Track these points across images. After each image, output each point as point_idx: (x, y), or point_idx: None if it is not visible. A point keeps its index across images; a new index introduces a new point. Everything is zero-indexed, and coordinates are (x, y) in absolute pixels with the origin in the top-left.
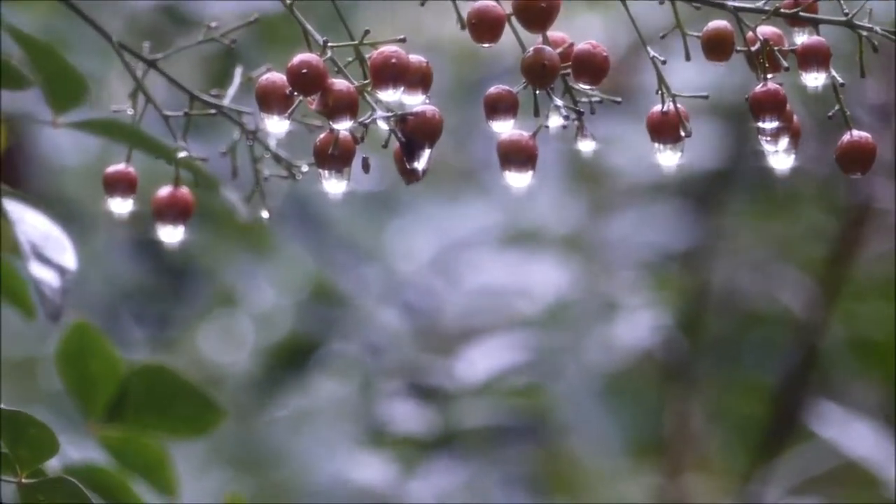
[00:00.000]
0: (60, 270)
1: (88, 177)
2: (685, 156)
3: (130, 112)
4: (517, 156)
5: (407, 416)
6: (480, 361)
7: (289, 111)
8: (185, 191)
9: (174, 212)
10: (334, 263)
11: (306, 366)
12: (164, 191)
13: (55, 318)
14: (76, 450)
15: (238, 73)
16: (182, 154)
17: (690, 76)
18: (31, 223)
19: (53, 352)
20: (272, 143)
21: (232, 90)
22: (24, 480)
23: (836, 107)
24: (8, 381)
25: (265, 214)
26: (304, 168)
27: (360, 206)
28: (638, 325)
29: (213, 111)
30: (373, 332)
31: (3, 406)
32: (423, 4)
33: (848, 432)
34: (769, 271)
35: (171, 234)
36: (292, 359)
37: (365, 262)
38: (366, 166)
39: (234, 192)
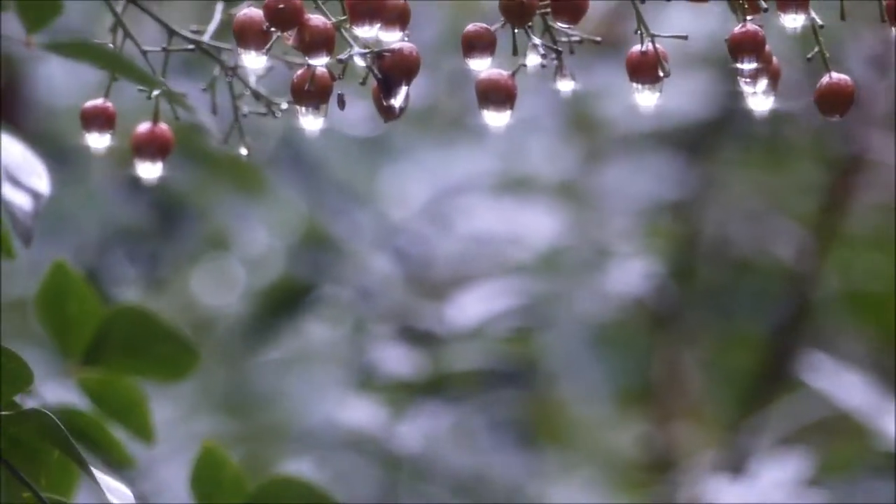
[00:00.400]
0: (34, 194)
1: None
2: (680, 103)
3: (110, 45)
4: (495, 94)
5: (397, 360)
6: (471, 307)
7: (266, 47)
8: (164, 126)
9: (153, 147)
10: (327, 207)
11: (297, 309)
12: (143, 126)
13: (27, 240)
14: (55, 392)
15: (219, 8)
16: (158, 90)
17: (685, 23)
18: (5, 148)
19: (34, 293)
20: (252, 80)
21: (212, 26)
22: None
23: (816, 49)
24: (3, 320)
25: (244, 151)
26: (284, 105)
27: (354, 151)
28: (629, 274)
29: (191, 47)
30: (364, 276)
31: None
32: None
33: (839, 383)
34: (762, 221)
35: (149, 171)
36: (284, 302)
37: (357, 207)
38: (341, 103)
39: (210, 118)
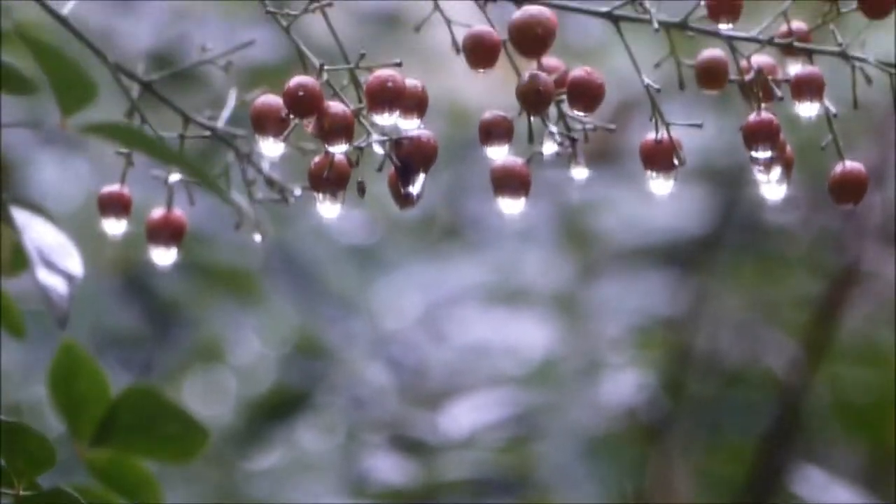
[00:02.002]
0: (67, 277)
1: (75, 223)
2: (674, 218)
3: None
4: (510, 182)
5: (390, 468)
6: (464, 416)
7: (284, 134)
8: (178, 213)
9: (167, 233)
10: (321, 316)
11: (290, 418)
12: (158, 212)
13: (62, 323)
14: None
15: (232, 95)
16: (175, 176)
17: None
18: (37, 230)
19: (46, 373)
20: (265, 167)
21: (226, 112)
22: (21, 493)
23: (829, 137)
24: None
25: (258, 238)
26: (297, 192)
27: (349, 261)
28: (621, 385)
29: (207, 133)
30: (358, 385)
31: (2, 417)
32: (417, 31)
33: (829, 496)
34: (753, 333)
35: (163, 256)
36: (276, 411)
37: (351, 316)
38: (361, 190)
39: (242, 200)
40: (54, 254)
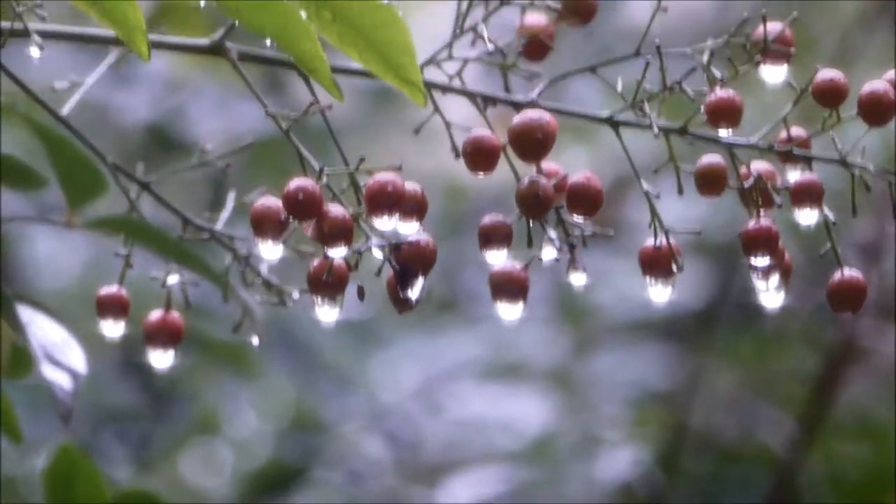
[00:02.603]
0: (72, 373)
1: (71, 299)
2: (672, 294)
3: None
4: (509, 287)
5: None
6: (461, 492)
7: (283, 236)
8: (175, 314)
9: (165, 335)
10: (317, 391)
11: (287, 493)
12: (155, 314)
13: (67, 419)
14: None
15: (231, 197)
16: (174, 278)
17: (677, 212)
18: (40, 326)
19: (41, 473)
20: (264, 269)
21: (225, 214)
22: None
23: (828, 245)
24: None
25: (256, 340)
26: (296, 295)
27: (345, 335)
28: (618, 461)
29: (205, 235)
30: (355, 460)
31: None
32: (417, 133)
33: None
34: (749, 409)
35: (161, 359)
36: (273, 485)
37: (348, 391)
38: (360, 294)
39: (249, 295)
40: (58, 350)
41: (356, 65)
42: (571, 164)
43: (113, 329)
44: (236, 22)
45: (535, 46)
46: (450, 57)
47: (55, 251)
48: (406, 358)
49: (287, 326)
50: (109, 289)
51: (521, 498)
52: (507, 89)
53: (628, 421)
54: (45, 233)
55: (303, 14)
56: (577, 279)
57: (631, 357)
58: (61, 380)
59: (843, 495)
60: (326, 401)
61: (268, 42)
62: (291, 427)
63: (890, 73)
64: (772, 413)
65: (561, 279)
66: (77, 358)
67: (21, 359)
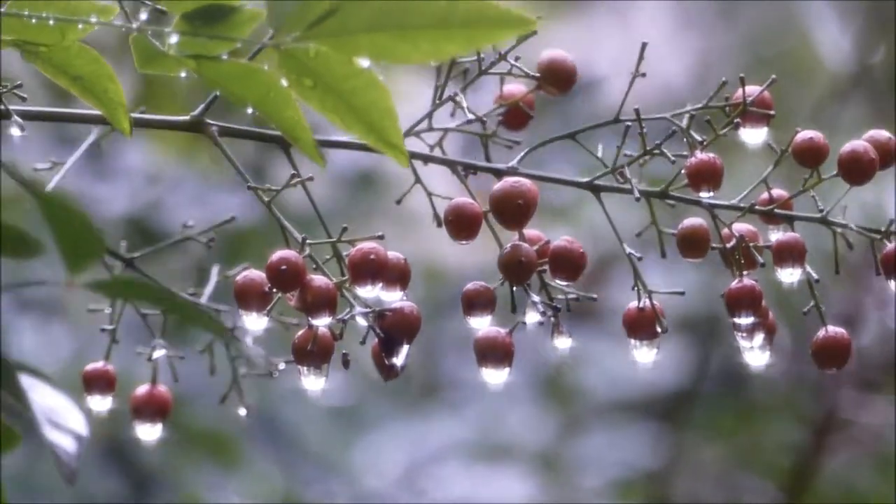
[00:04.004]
0: (74, 435)
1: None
2: (654, 373)
3: (108, 311)
4: (493, 352)
5: None
6: None
7: (267, 308)
8: (162, 389)
9: (152, 409)
10: (301, 477)
11: None
12: (142, 389)
13: (71, 481)
14: None
15: (215, 271)
16: (159, 353)
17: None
18: (41, 393)
19: None
20: (249, 340)
21: (208, 289)
22: None
23: (812, 303)
24: None
25: (243, 412)
26: (281, 366)
27: (329, 421)
28: None
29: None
30: None
31: None
32: (399, 203)
33: None
34: (734, 480)
35: (148, 433)
36: None
37: (331, 477)
38: (345, 362)
39: (256, 346)
40: (58, 415)
41: (339, 136)
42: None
43: (100, 404)
44: (216, 95)
45: (515, 115)
46: (430, 128)
47: (38, 343)
48: (390, 442)
49: (271, 414)
50: (96, 365)
51: None
52: (487, 158)
53: (613, 496)
54: (29, 324)
55: (284, 82)
56: (562, 343)
57: (616, 436)
58: (64, 442)
59: None
60: (311, 487)
61: (249, 112)
62: None
63: (869, 133)
64: (756, 484)
65: (546, 360)
66: (78, 422)
67: (7, 435)
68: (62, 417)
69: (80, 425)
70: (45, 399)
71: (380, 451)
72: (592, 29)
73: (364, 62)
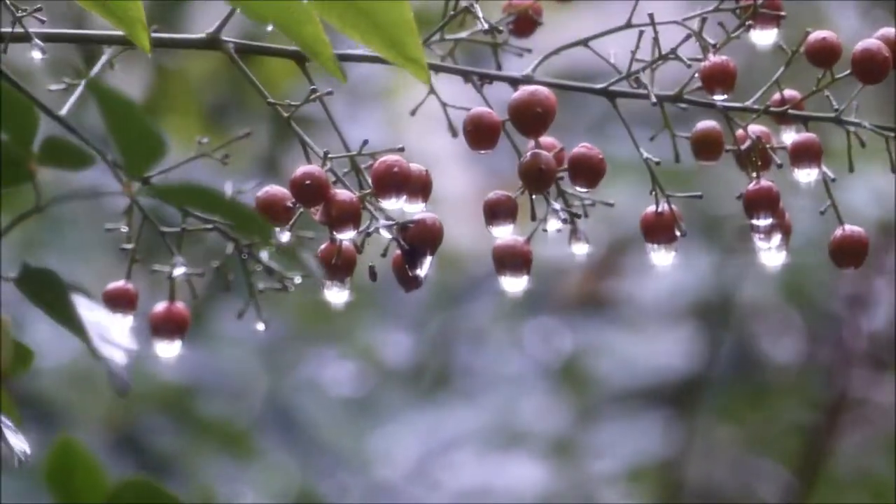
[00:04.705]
0: (124, 349)
1: (66, 377)
2: (666, 358)
3: (125, 229)
4: (512, 260)
5: None
6: None
7: (290, 223)
8: (180, 306)
9: (170, 327)
10: (315, 469)
11: None
12: (160, 306)
13: (123, 393)
14: None
15: (229, 187)
16: (179, 270)
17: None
18: (88, 308)
19: (42, 468)
20: (265, 256)
21: None
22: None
23: (828, 203)
24: None
25: (261, 327)
26: (298, 280)
27: (341, 412)
28: None
29: (208, 226)
30: None
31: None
32: (413, 114)
33: None
34: (746, 464)
35: (167, 350)
36: None
37: (345, 468)
38: (372, 275)
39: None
40: (107, 330)
41: (358, 51)
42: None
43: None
44: (232, 10)
45: (523, 23)
46: (442, 39)
47: (52, 336)
48: (403, 432)
49: (283, 404)
50: (117, 283)
51: None
52: (499, 68)
53: (626, 480)
54: (43, 315)
55: None
56: (579, 249)
57: (630, 425)
58: (115, 355)
59: None
60: (323, 479)
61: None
62: None
63: (881, 31)
64: (769, 467)
65: (560, 349)
66: (126, 337)
67: (21, 354)
68: (110, 332)
69: (128, 340)
70: (93, 315)
71: (393, 441)
72: None
73: None
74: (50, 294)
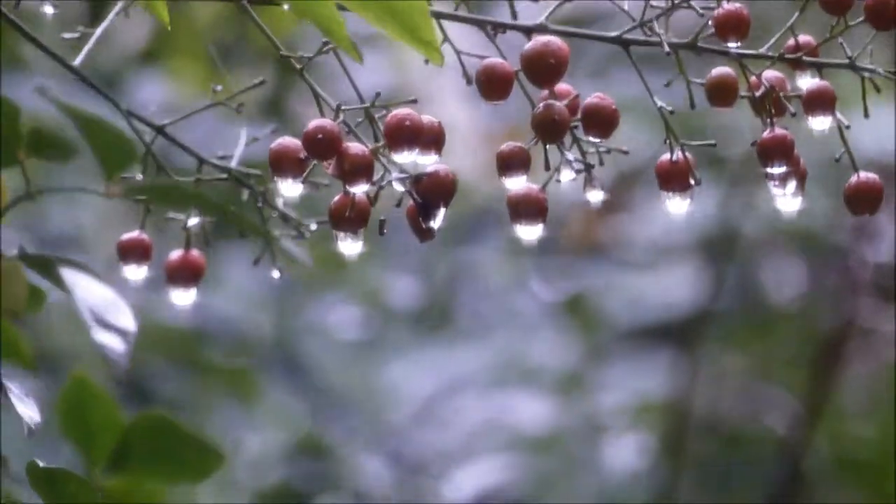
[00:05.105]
0: (122, 333)
1: (71, 321)
2: (673, 294)
3: (139, 178)
4: (527, 207)
5: None
6: (467, 484)
7: (303, 175)
8: (196, 253)
9: (185, 274)
10: (321, 411)
11: None
12: (176, 254)
13: (122, 380)
14: None
15: (243, 134)
16: (193, 220)
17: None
18: (85, 287)
19: (56, 406)
20: (280, 203)
21: (238, 151)
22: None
23: (843, 150)
24: None
25: (276, 274)
26: (313, 227)
27: (347, 355)
28: (623, 450)
29: (223, 175)
30: (359, 479)
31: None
32: (427, 62)
33: None
34: (753, 393)
35: (182, 297)
36: None
37: (351, 410)
38: (383, 228)
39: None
40: (106, 312)
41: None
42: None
43: (136, 273)
44: None
45: None
46: None
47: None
48: (409, 373)
49: (289, 349)
50: (131, 234)
51: (527, 489)
52: (513, 17)
53: (633, 410)
54: None
55: None
56: (595, 196)
57: (637, 362)
58: (112, 342)
59: (849, 475)
60: (330, 422)
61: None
62: (297, 451)
63: None
64: (775, 396)
65: (568, 288)
66: (126, 317)
67: (36, 296)
68: (109, 314)
69: (129, 321)
70: (91, 294)
71: (401, 382)
72: None
73: None
74: (49, 275)
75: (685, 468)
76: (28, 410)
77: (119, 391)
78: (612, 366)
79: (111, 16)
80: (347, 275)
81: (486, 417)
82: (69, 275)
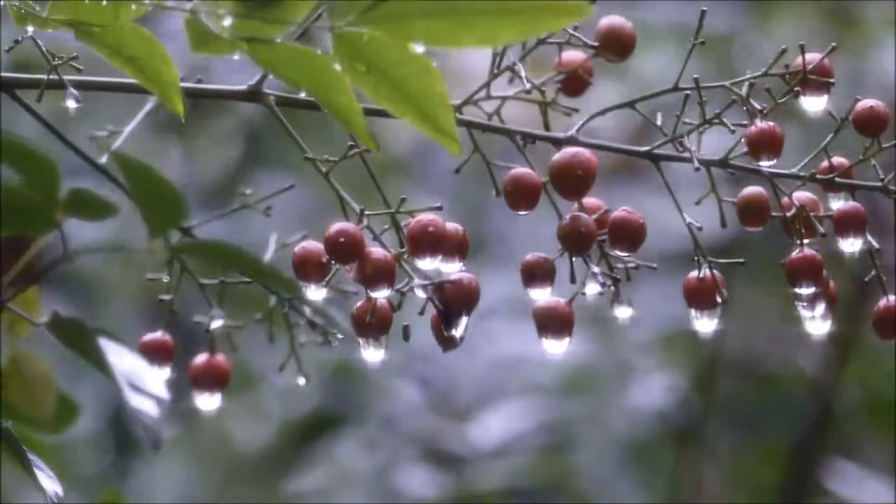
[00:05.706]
0: (156, 400)
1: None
2: (703, 222)
3: (166, 279)
4: (554, 322)
5: (422, 482)
6: (496, 426)
7: (326, 279)
8: (220, 358)
9: (210, 379)
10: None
11: (327, 439)
12: (201, 358)
13: (157, 446)
14: None
15: (273, 239)
16: (217, 323)
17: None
18: (120, 357)
19: None
20: (307, 310)
21: (267, 256)
22: None
23: (873, 272)
24: None
25: (302, 381)
26: (340, 335)
27: None
28: (652, 389)
29: (248, 279)
30: (390, 403)
31: None
32: (457, 172)
33: (864, 491)
34: (782, 333)
35: (208, 402)
36: (314, 433)
37: None
38: (406, 335)
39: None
40: (138, 378)
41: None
42: (600, 100)
43: (159, 375)
44: None
45: (574, 82)
46: (488, 96)
47: None
48: None
49: None
50: (154, 335)
51: (556, 431)
52: (546, 127)
53: (662, 349)
54: None
55: (337, 67)
56: (622, 313)
57: (667, 290)
58: (147, 406)
59: (878, 414)
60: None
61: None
62: (330, 377)
63: None
64: (806, 336)
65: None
66: (158, 385)
67: (66, 410)
68: (142, 380)
69: (161, 389)
70: (123, 361)
71: (429, 308)
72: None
73: (418, 48)
74: (80, 342)
75: (714, 407)
76: (53, 486)
77: (149, 321)
78: (641, 294)
79: (141, 114)
80: (374, 201)
81: (513, 348)
82: (104, 344)
